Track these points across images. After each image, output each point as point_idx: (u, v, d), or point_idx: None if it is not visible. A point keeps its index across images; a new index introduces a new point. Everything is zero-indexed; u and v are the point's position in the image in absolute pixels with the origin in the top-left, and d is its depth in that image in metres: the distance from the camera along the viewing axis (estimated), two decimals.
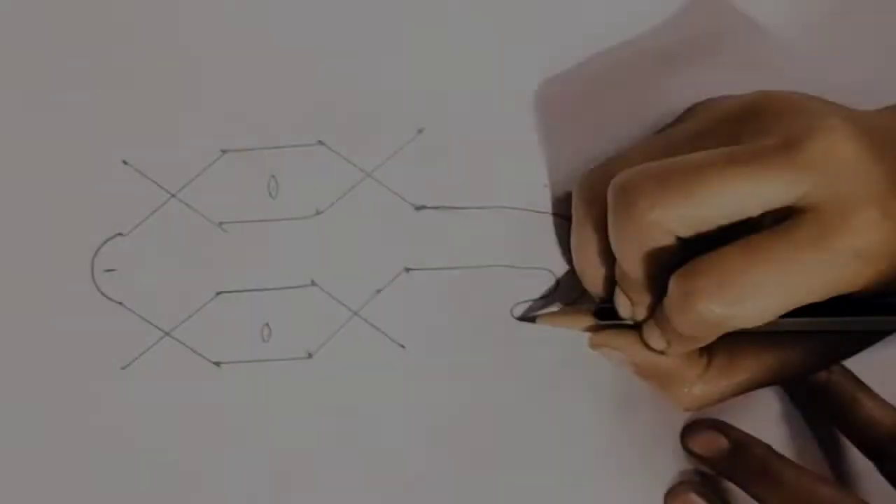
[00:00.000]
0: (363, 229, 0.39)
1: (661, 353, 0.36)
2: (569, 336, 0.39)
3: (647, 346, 0.36)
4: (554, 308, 0.39)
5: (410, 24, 0.40)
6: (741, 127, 0.34)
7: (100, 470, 0.38)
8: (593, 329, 0.38)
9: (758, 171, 0.32)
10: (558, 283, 0.39)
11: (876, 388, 0.38)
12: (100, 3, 0.39)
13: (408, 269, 0.39)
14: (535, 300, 0.39)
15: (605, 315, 0.37)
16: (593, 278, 0.37)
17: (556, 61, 0.40)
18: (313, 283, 0.39)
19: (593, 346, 0.38)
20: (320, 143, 0.40)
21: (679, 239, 0.33)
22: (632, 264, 0.34)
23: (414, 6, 0.40)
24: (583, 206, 0.37)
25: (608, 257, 0.36)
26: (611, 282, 0.37)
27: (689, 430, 0.39)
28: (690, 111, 0.39)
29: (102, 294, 0.39)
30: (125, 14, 0.40)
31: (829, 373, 0.38)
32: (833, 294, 0.32)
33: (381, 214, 0.39)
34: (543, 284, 0.39)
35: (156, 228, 0.39)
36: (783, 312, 0.32)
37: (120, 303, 0.39)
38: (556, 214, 0.40)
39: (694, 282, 0.32)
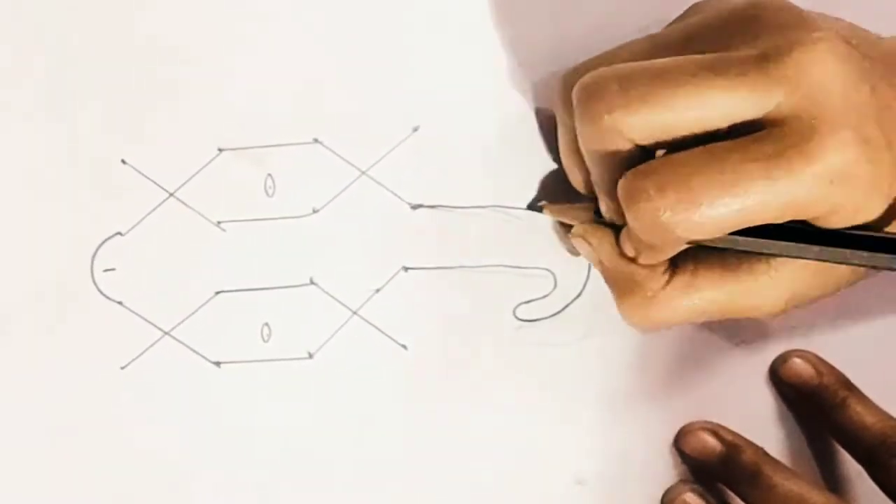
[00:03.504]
0: (360, 228, 0.39)
1: (632, 260, 0.34)
2: (569, 335, 0.39)
3: (620, 251, 0.35)
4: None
5: (405, 22, 0.40)
6: (730, 34, 0.32)
7: (99, 470, 0.39)
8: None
9: (724, 81, 0.30)
10: (557, 282, 0.39)
11: (873, 390, 0.38)
12: (99, 2, 0.39)
13: (406, 269, 0.39)
14: (534, 300, 0.39)
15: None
16: (576, 179, 0.36)
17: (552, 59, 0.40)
18: (312, 283, 0.39)
19: (573, 235, 0.36)
20: (316, 140, 0.40)
21: (641, 148, 0.32)
22: (595, 169, 0.33)
23: (409, 4, 0.40)
24: (561, 105, 0.35)
25: None
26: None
27: (682, 433, 0.39)
28: (688, 12, 0.36)
29: (102, 293, 0.39)
30: (123, 13, 0.39)
31: (819, 375, 0.38)
32: (795, 216, 0.31)
33: (377, 213, 0.39)
34: (542, 284, 0.39)
35: (154, 228, 0.39)
36: (737, 227, 0.31)
37: (119, 302, 0.39)
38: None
39: (639, 181, 0.31)
